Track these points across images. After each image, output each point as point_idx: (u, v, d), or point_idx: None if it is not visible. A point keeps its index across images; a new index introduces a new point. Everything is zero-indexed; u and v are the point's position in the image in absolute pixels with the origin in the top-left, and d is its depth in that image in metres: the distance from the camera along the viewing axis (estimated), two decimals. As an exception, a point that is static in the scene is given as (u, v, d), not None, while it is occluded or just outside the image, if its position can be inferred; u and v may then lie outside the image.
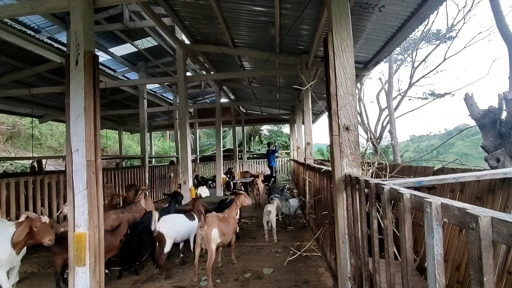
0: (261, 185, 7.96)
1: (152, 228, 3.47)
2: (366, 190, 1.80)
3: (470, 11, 12.72)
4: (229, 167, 13.15)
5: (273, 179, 11.17)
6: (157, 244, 3.55)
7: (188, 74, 9.03)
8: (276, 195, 5.85)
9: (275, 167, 12.79)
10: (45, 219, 2.89)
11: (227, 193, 8.94)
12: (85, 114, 2.81)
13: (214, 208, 4.61)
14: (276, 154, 13.00)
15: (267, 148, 13.35)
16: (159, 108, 10.79)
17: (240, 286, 3.16)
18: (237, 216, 3.85)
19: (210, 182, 10.62)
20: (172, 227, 3.58)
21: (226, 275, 3.44)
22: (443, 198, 1.04)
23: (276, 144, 13.16)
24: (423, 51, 16.96)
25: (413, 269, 1.25)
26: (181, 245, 3.95)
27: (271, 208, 4.72)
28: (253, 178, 9.01)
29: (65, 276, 3.18)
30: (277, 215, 5.16)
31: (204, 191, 7.36)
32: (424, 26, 13.75)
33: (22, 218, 2.90)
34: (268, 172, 12.69)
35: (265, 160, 16.00)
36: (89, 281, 2.70)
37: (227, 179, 9.43)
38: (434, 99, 15.26)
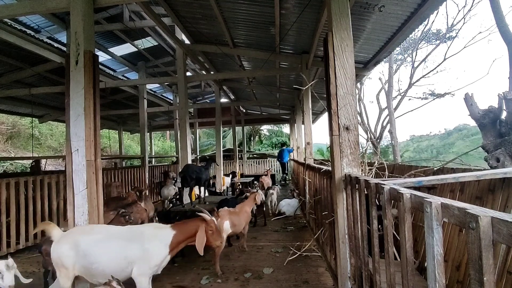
0: (266, 182, 8.18)
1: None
2: (366, 190, 1.80)
3: (470, 11, 12.74)
4: (233, 170, 13.18)
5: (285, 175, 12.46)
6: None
7: (188, 74, 9.03)
8: (274, 185, 7.61)
9: (287, 163, 13.02)
10: None
11: (229, 193, 9.08)
12: (85, 114, 2.81)
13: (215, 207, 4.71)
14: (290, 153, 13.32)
15: (281, 148, 13.89)
16: (159, 108, 10.78)
17: (240, 286, 3.16)
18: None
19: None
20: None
21: (226, 275, 3.43)
22: (443, 198, 1.04)
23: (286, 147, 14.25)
24: (423, 51, 16.97)
25: (413, 269, 1.25)
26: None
27: (273, 191, 6.73)
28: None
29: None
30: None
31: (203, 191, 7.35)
32: (424, 26, 13.77)
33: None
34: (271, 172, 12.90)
35: (265, 160, 16.29)
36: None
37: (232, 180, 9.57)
38: (434, 99, 15.26)
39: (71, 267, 2.31)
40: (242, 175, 13.34)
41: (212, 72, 8.66)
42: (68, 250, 2.32)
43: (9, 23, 5.16)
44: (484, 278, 0.76)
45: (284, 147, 13.84)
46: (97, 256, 2.29)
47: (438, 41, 14.34)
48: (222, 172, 9.30)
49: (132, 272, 2.30)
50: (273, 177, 11.05)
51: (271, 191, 6.78)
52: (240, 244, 4.33)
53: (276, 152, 17.04)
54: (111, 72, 9.37)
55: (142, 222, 4.28)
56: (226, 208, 3.93)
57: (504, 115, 2.25)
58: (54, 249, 2.38)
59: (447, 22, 13.55)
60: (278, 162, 13.72)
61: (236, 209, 4.07)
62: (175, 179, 10.13)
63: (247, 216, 4.16)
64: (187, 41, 6.93)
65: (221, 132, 9.80)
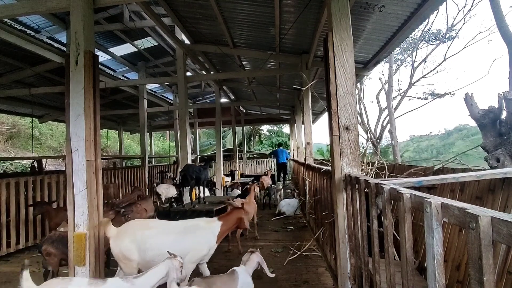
0: (266, 182, 8.25)
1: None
2: (366, 190, 1.80)
3: (470, 11, 12.77)
4: (231, 169, 13.18)
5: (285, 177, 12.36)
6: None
7: (188, 74, 9.02)
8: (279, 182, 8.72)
9: (286, 163, 12.85)
10: None
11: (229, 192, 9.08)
12: (85, 114, 2.81)
13: (220, 208, 4.84)
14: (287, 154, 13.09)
15: (277, 149, 13.61)
16: (159, 108, 10.78)
17: (240, 286, 3.15)
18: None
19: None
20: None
21: (226, 275, 3.43)
22: (443, 198, 1.04)
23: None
24: (423, 51, 16.97)
25: (413, 269, 1.25)
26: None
27: (280, 190, 7.64)
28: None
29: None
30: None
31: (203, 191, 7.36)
32: (424, 26, 13.79)
33: None
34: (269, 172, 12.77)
35: (265, 160, 16.22)
36: (89, 281, 2.70)
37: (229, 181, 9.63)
38: (434, 99, 15.28)
39: (136, 259, 2.46)
40: (242, 175, 13.33)
41: (212, 72, 8.65)
42: (129, 243, 2.48)
43: (9, 23, 5.16)
44: (484, 278, 0.76)
45: (280, 148, 13.47)
46: (154, 249, 2.44)
47: (438, 41, 14.36)
48: (222, 172, 9.29)
49: (184, 259, 2.47)
50: (273, 177, 11.09)
51: (278, 187, 7.83)
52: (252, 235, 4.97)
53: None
54: (111, 72, 9.37)
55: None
56: (239, 198, 4.77)
57: (504, 115, 2.24)
58: (115, 244, 2.53)
59: (447, 22, 13.59)
60: (276, 166, 13.37)
61: (246, 199, 4.83)
62: (174, 179, 10.15)
63: (254, 206, 4.98)
64: (187, 41, 6.92)
65: (221, 132, 9.79)
